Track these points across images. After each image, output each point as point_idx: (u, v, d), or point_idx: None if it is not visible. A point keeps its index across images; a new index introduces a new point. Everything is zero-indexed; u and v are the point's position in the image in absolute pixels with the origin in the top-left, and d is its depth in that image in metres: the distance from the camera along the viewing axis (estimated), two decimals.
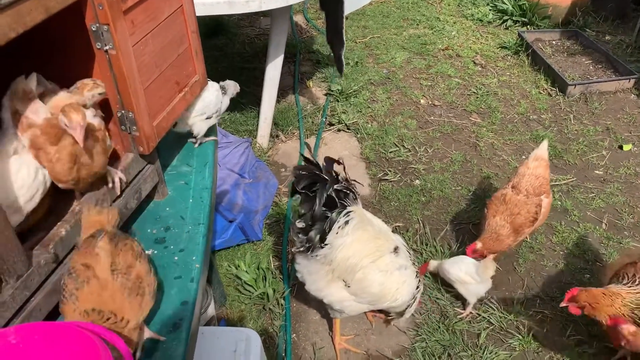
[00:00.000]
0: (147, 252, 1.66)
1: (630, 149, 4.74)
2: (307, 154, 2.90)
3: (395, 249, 2.82)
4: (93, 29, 1.60)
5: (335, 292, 2.82)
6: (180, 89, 2.01)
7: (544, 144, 3.57)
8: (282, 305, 3.40)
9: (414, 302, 2.94)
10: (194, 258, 1.83)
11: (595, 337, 3.22)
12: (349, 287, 2.77)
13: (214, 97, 2.32)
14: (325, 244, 2.61)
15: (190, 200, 2.06)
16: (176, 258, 1.83)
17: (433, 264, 3.47)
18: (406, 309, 2.95)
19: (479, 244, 3.42)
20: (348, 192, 2.66)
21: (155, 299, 1.56)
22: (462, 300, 3.41)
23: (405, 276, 2.83)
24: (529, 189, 3.45)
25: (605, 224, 4.02)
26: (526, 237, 3.74)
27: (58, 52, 1.77)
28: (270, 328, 3.31)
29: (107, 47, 1.62)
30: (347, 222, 2.62)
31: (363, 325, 3.35)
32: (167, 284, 1.75)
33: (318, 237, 2.61)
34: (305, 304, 3.46)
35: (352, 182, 2.74)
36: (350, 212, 2.62)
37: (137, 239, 1.62)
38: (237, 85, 2.69)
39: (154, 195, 2.05)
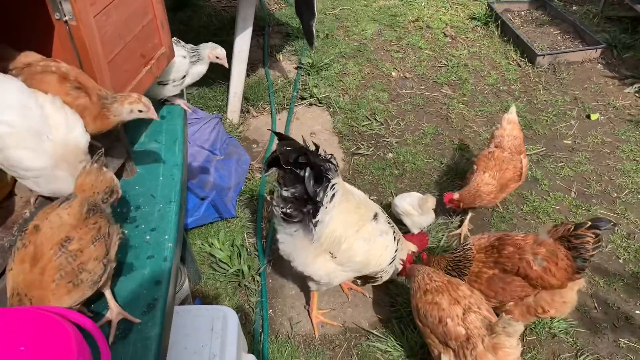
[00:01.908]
0: (119, 236, 1.57)
1: (597, 118, 4.82)
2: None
3: (375, 216, 2.88)
4: None
5: (321, 266, 2.85)
6: (146, 61, 1.93)
7: (513, 109, 3.68)
8: (257, 281, 3.38)
9: (395, 262, 3.00)
10: (166, 237, 1.79)
11: None
12: (335, 258, 2.82)
13: (177, 61, 2.25)
14: (317, 220, 2.62)
15: (161, 178, 2.00)
16: (148, 237, 1.79)
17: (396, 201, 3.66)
18: (387, 271, 3.02)
19: (456, 195, 3.52)
20: (330, 164, 2.65)
21: (101, 287, 1.47)
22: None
23: (387, 241, 2.91)
24: (511, 147, 3.55)
25: (575, 193, 4.10)
26: (497, 205, 3.80)
27: (15, 25, 1.67)
28: (246, 305, 3.30)
29: (66, 18, 1.54)
30: (333, 196, 2.64)
31: (339, 298, 3.36)
32: (140, 264, 1.70)
33: (309, 211, 2.61)
34: (281, 280, 3.45)
35: (330, 155, 2.72)
36: (334, 184, 2.64)
37: (118, 225, 1.55)
38: (217, 47, 2.57)
39: (122, 173, 1.98)
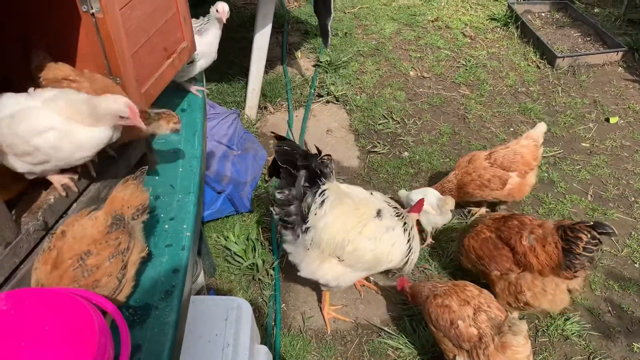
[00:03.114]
0: (142, 254, 1.58)
1: (617, 122, 4.78)
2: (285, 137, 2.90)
3: (379, 213, 2.85)
4: None
5: (329, 271, 2.88)
6: (168, 55, 1.97)
7: (539, 127, 3.61)
8: (271, 275, 3.42)
9: (411, 255, 2.97)
10: (184, 226, 1.83)
11: (581, 306, 3.30)
12: (342, 261, 2.83)
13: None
14: (307, 227, 2.68)
15: (180, 169, 2.05)
16: (167, 226, 1.83)
17: (403, 194, 3.70)
18: (406, 263, 3.00)
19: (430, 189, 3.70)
20: (325, 168, 2.68)
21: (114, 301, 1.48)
22: (449, 270, 3.46)
23: (394, 237, 2.87)
24: (499, 159, 3.55)
25: (591, 196, 4.07)
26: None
27: (43, 16, 1.72)
28: (259, 298, 3.34)
29: (93, 10, 1.58)
30: (322, 202, 2.68)
31: (352, 295, 3.39)
32: (158, 252, 1.74)
33: (299, 217, 2.67)
34: (294, 275, 3.45)
35: (328, 156, 2.75)
36: (325, 190, 2.67)
37: (144, 244, 1.57)
38: (219, 2, 2.51)
39: (144, 163, 2.02)
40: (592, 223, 2.64)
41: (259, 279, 3.41)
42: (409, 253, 2.95)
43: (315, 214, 2.70)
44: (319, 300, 3.30)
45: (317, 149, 2.70)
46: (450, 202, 3.53)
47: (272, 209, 2.74)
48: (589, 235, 2.61)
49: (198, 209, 1.92)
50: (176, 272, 1.68)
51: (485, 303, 2.51)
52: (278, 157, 2.54)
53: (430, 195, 3.58)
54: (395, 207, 2.97)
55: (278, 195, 2.64)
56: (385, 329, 3.20)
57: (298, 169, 2.59)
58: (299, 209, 2.65)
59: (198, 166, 2.07)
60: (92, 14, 1.59)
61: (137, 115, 1.49)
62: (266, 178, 2.63)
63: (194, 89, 2.49)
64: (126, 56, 1.71)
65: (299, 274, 2.95)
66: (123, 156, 1.84)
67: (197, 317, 2.20)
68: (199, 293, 2.92)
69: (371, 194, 3.01)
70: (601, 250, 2.76)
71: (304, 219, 2.68)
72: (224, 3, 2.56)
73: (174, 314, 1.57)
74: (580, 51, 5.58)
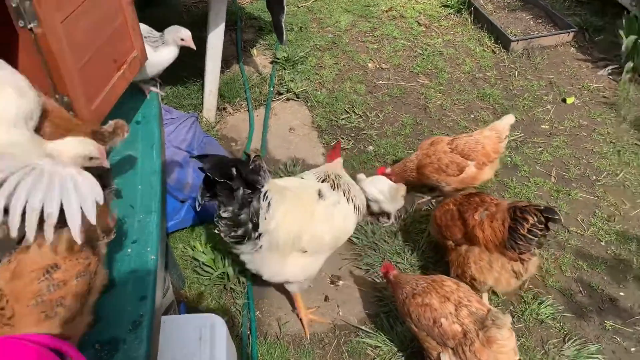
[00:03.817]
0: (104, 283, 1.46)
1: (573, 102, 4.85)
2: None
3: (320, 194, 2.88)
4: (13, 5, 1.43)
5: (294, 265, 2.85)
6: (118, 66, 1.85)
7: (507, 119, 3.63)
8: (243, 283, 3.33)
9: (360, 213, 3.08)
10: (148, 249, 1.72)
11: (553, 288, 3.34)
12: (306, 252, 2.83)
13: None
14: (260, 232, 2.63)
15: (139, 187, 1.93)
16: (129, 250, 1.72)
17: (361, 178, 3.75)
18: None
19: (389, 169, 3.82)
20: (259, 170, 2.62)
21: (71, 332, 1.36)
22: (422, 263, 3.45)
23: (343, 210, 2.94)
24: (460, 146, 3.58)
25: (554, 177, 4.13)
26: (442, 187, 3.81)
27: None
28: (232, 307, 3.25)
29: (31, 25, 1.45)
30: (269, 204, 2.63)
31: (326, 291, 3.33)
32: (122, 279, 1.64)
33: (251, 226, 2.61)
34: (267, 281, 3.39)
35: (257, 157, 2.70)
36: (266, 192, 2.63)
37: (106, 271, 1.47)
38: (180, 29, 2.48)
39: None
40: (542, 207, 2.66)
41: (231, 288, 3.31)
42: (358, 214, 3.05)
43: (266, 218, 2.64)
44: (294, 305, 3.23)
45: (247, 154, 2.63)
46: (403, 189, 3.65)
47: (217, 232, 2.63)
48: (535, 218, 2.63)
49: (162, 229, 1.82)
50: (143, 300, 1.58)
51: (464, 297, 2.49)
52: (212, 173, 2.42)
53: (381, 182, 3.67)
54: (328, 179, 2.99)
55: (224, 215, 2.54)
56: (363, 327, 3.16)
57: (234, 180, 2.50)
58: (248, 219, 2.57)
59: (158, 182, 1.96)
60: (30, 29, 1.47)
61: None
62: (199, 202, 2.54)
63: (148, 89, 2.36)
64: (72, 72, 1.59)
65: (264, 278, 2.90)
66: None
67: (169, 339, 2.11)
68: (169, 308, 2.81)
69: (302, 178, 3.03)
70: (547, 236, 2.78)
71: (255, 227, 2.61)
72: (186, 29, 2.48)
73: (144, 345, 1.47)
74: (533, 34, 5.64)
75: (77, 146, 1.44)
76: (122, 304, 1.57)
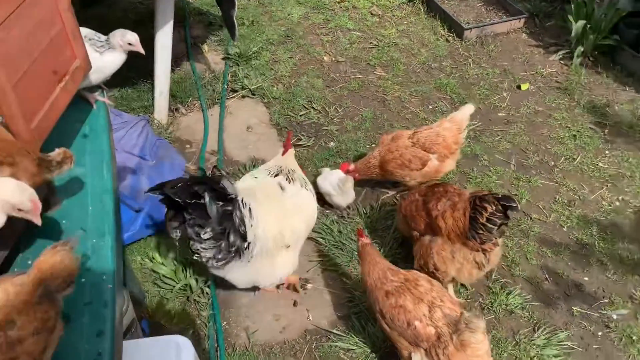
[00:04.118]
0: (61, 334, 1.33)
1: (528, 88, 4.90)
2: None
3: (282, 187, 2.93)
4: None
5: (285, 262, 2.95)
6: (59, 78, 1.68)
7: (466, 109, 3.61)
8: (207, 294, 3.20)
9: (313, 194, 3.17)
10: (104, 277, 1.58)
11: (520, 277, 3.35)
12: (289, 246, 2.89)
13: None
14: (249, 241, 2.60)
15: (90, 208, 1.77)
16: (83, 280, 1.56)
17: (324, 171, 3.75)
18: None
19: (352, 166, 3.74)
20: (223, 180, 2.55)
21: None
22: (389, 259, 3.40)
23: (303, 197, 3.02)
24: (421, 140, 3.55)
25: (514, 165, 4.15)
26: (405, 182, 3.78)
27: None
28: (197, 320, 3.11)
29: None
30: (250, 210, 2.61)
31: (295, 296, 3.23)
32: (76, 313, 1.49)
33: (239, 238, 2.55)
34: (232, 289, 3.26)
35: (215, 168, 2.73)
36: (242, 199, 2.59)
37: (62, 322, 1.34)
38: (127, 32, 2.32)
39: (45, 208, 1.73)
40: (500, 195, 2.68)
41: (195, 300, 3.17)
42: (313, 195, 3.15)
43: (252, 225, 2.59)
44: (261, 312, 3.13)
45: (201, 168, 2.60)
46: (351, 181, 3.63)
47: (201, 260, 2.54)
48: (493, 207, 2.64)
49: (118, 253, 1.67)
50: (101, 336, 1.44)
51: (438, 297, 2.45)
52: (179, 197, 2.32)
53: (332, 175, 3.65)
54: (282, 172, 3.02)
55: (206, 236, 2.43)
56: (334, 331, 3.09)
57: (206, 196, 2.39)
58: (234, 231, 2.46)
59: (111, 201, 1.80)
60: None
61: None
62: (173, 237, 2.45)
63: (93, 98, 2.19)
64: (6, 89, 1.42)
65: (262, 287, 2.98)
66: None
67: None
68: (129, 327, 2.65)
69: (255, 177, 3.04)
70: (507, 225, 2.78)
71: (244, 237, 2.51)
72: (133, 33, 2.31)
73: None
74: (485, 21, 5.66)
75: (13, 193, 1.33)
76: (77, 341, 1.43)
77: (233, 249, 2.53)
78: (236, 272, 2.73)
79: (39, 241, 1.67)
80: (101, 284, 1.56)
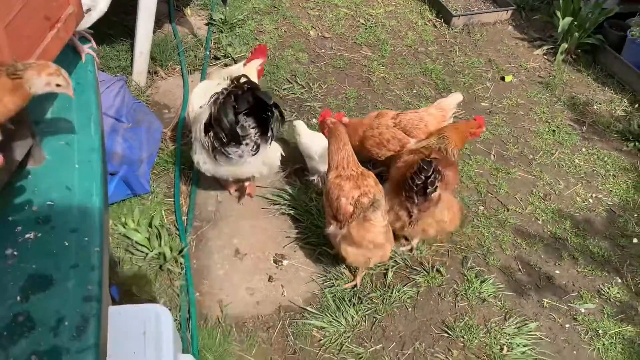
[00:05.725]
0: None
1: (511, 80, 4.93)
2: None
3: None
4: None
5: (276, 149, 3.31)
6: (51, 24, 1.56)
7: (454, 97, 3.60)
8: (181, 264, 3.11)
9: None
10: (91, 240, 1.48)
11: (494, 267, 3.39)
12: None
13: None
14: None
15: (76, 166, 1.67)
16: (67, 243, 1.47)
17: (299, 126, 3.67)
18: None
19: (346, 118, 3.67)
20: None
21: None
22: None
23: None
24: (403, 122, 3.52)
25: (494, 155, 4.18)
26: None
27: None
28: (170, 289, 3.03)
29: None
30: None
31: (270, 271, 3.19)
32: (61, 275, 1.40)
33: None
34: (207, 260, 3.20)
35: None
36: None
37: None
38: None
39: (27, 161, 1.62)
40: (429, 160, 2.88)
41: (168, 269, 3.09)
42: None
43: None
44: (236, 285, 3.07)
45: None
46: None
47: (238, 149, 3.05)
48: (416, 167, 2.88)
49: (105, 216, 1.58)
50: (89, 301, 1.36)
51: (372, 192, 2.89)
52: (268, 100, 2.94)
53: (319, 139, 3.53)
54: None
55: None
56: (308, 308, 3.06)
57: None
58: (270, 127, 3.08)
59: (98, 160, 1.70)
60: None
61: None
62: (245, 124, 3.05)
63: (84, 51, 2.05)
64: None
65: (266, 174, 3.39)
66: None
67: (111, 335, 1.88)
68: None
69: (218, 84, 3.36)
70: (426, 188, 2.92)
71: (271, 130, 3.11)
72: None
73: (91, 355, 1.27)
74: (473, 10, 5.65)
75: None
76: (62, 306, 1.34)
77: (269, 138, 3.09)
78: (259, 157, 3.13)
79: (25, 193, 1.56)
80: (87, 246, 1.47)
